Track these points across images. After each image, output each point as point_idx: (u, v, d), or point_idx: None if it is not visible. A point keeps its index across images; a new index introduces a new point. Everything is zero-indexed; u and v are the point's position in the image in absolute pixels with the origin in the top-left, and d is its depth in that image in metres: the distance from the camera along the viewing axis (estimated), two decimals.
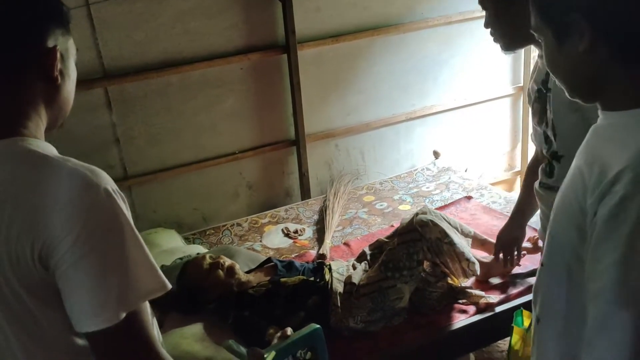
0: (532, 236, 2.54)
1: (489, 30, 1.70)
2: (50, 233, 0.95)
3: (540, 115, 1.80)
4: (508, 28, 1.64)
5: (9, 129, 1.03)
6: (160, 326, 1.48)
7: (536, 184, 1.88)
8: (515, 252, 2.33)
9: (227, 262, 2.45)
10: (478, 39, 3.91)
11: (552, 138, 1.76)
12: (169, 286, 1.04)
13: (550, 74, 1.13)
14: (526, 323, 1.71)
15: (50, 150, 1.04)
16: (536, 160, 2.03)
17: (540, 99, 1.78)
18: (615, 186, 0.88)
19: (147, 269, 1.00)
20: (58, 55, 1.07)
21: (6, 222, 0.96)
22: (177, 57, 3.29)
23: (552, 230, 1.08)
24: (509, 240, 2.30)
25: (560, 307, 1.05)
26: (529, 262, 2.58)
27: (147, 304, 1.03)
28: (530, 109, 1.90)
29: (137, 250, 0.99)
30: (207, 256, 2.48)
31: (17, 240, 0.95)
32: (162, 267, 2.70)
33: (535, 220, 2.27)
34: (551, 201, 1.88)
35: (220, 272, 2.38)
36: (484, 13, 1.68)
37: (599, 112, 1.02)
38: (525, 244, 2.43)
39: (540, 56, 1.69)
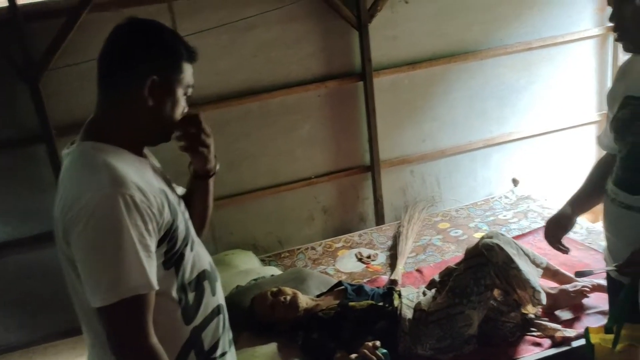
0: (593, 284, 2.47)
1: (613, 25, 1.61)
2: (68, 219, 1.19)
3: (628, 124, 1.69)
4: (632, 25, 1.55)
5: (95, 133, 1.29)
6: (234, 343, 1.56)
7: (609, 202, 1.79)
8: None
9: (289, 296, 2.45)
10: (559, 64, 3.80)
11: None
12: (156, 287, 1.21)
13: None
14: (594, 340, 1.66)
15: (104, 156, 1.23)
16: (606, 163, 1.91)
17: (634, 106, 1.68)
18: None
19: (137, 270, 1.18)
20: (149, 83, 1.28)
21: (60, 200, 1.24)
22: (257, 85, 3.44)
23: None
24: (557, 227, 2.05)
25: None
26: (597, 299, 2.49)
27: (147, 301, 1.19)
28: (609, 113, 1.79)
29: (131, 252, 1.17)
30: (269, 293, 2.48)
31: (60, 217, 1.22)
32: (237, 287, 2.81)
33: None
34: (624, 226, 1.78)
35: (282, 309, 2.42)
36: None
37: None
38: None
39: None
